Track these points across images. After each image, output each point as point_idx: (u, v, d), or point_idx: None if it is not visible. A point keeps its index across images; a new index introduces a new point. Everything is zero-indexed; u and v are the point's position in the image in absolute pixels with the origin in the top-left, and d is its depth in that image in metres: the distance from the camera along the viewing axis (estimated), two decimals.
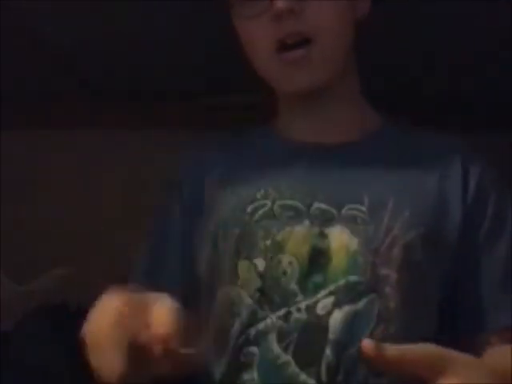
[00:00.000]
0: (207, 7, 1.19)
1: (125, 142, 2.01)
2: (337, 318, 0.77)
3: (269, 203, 0.83)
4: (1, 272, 1.71)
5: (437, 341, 0.65)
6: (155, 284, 0.88)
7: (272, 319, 0.78)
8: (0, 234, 1.83)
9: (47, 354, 1.46)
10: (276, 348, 0.77)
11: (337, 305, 0.77)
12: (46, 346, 1.47)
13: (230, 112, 1.85)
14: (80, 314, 1.79)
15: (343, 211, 0.81)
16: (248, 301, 0.80)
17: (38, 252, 1.87)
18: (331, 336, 0.76)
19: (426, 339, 0.65)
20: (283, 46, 0.83)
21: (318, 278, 0.78)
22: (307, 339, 0.77)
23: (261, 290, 0.79)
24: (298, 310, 0.77)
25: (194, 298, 0.76)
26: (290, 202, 0.83)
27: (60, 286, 1.72)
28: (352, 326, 0.76)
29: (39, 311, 1.59)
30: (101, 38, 1.43)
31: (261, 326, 0.78)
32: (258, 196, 0.84)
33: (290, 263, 0.79)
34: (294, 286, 0.78)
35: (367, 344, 0.60)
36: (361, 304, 0.77)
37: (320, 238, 0.80)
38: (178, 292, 0.89)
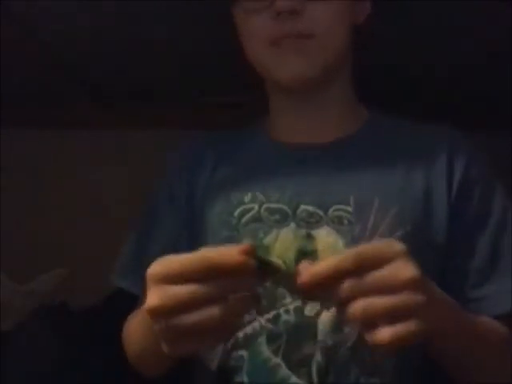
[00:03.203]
0: (207, 7, 1.20)
1: (125, 142, 2.01)
2: (325, 319, 0.77)
3: (256, 207, 0.84)
4: (1, 272, 1.71)
5: None
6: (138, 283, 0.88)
7: (261, 322, 0.78)
8: (0, 234, 1.83)
9: (47, 353, 1.46)
10: (266, 351, 0.77)
11: (325, 306, 0.76)
12: (46, 346, 1.47)
13: (230, 112, 1.85)
14: (80, 314, 1.79)
15: (330, 212, 0.82)
16: None
17: (37, 252, 1.87)
18: (320, 337, 0.76)
19: None
20: (280, 40, 0.83)
21: None
22: (296, 341, 0.77)
23: None
24: (287, 311, 0.77)
25: None
26: (276, 206, 0.84)
27: (60, 286, 1.72)
28: (340, 327, 0.76)
29: (39, 311, 1.59)
30: (101, 39, 1.43)
31: (249, 329, 0.78)
32: (246, 200, 0.85)
33: None
34: (281, 289, 0.78)
35: (302, 268, 0.59)
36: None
37: (307, 240, 0.81)
38: None
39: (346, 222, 0.81)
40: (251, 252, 0.58)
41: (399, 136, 0.90)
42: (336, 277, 0.57)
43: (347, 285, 0.57)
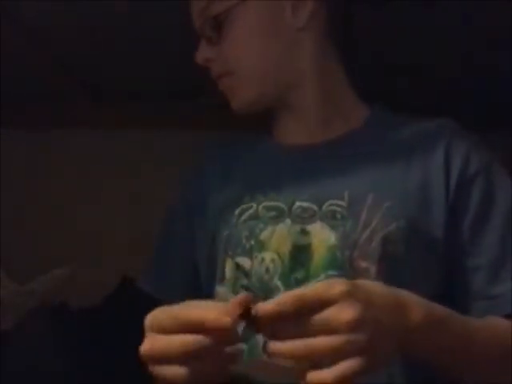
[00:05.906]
0: None
1: (125, 141, 2.01)
2: None
3: (254, 205, 0.87)
4: (1, 272, 1.71)
5: None
6: (159, 287, 0.94)
7: None
8: (0, 234, 1.83)
9: (47, 353, 1.46)
10: (262, 343, 0.77)
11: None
12: (46, 346, 1.47)
13: (230, 112, 1.85)
14: (80, 314, 1.79)
15: (324, 207, 0.83)
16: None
17: (37, 252, 1.87)
18: None
19: None
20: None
21: (299, 274, 0.80)
22: None
23: (246, 288, 0.82)
24: None
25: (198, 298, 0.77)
26: (273, 203, 0.86)
27: (60, 286, 1.72)
28: None
29: (39, 311, 1.59)
30: (101, 39, 1.44)
31: None
32: (246, 199, 0.88)
33: (273, 260, 0.82)
34: (276, 282, 0.81)
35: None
36: None
37: (301, 235, 0.83)
38: (180, 294, 0.91)
39: (338, 216, 0.82)
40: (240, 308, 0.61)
41: (398, 133, 0.90)
42: (278, 319, 0.60)
43: (288, 327, 0.60)
